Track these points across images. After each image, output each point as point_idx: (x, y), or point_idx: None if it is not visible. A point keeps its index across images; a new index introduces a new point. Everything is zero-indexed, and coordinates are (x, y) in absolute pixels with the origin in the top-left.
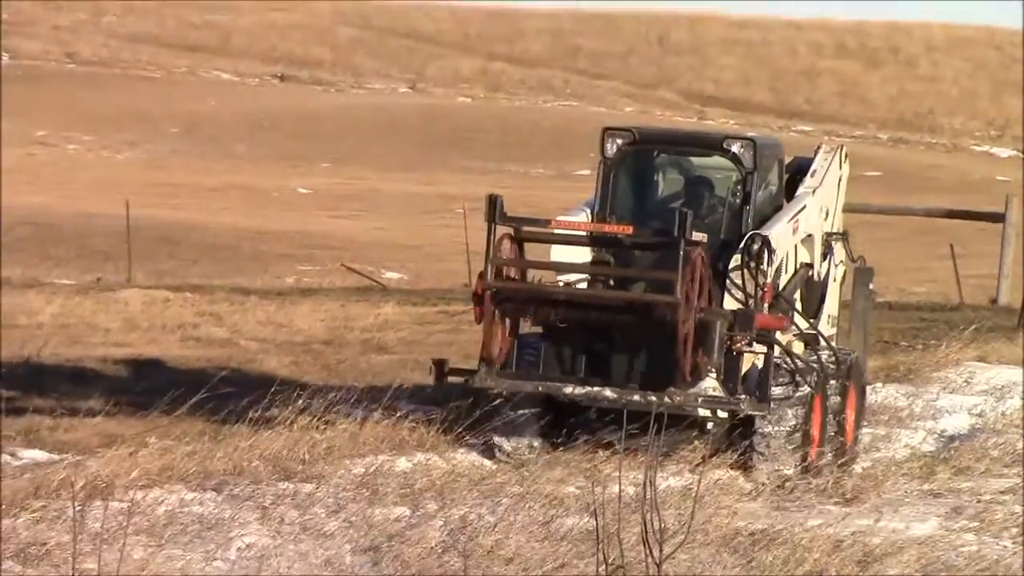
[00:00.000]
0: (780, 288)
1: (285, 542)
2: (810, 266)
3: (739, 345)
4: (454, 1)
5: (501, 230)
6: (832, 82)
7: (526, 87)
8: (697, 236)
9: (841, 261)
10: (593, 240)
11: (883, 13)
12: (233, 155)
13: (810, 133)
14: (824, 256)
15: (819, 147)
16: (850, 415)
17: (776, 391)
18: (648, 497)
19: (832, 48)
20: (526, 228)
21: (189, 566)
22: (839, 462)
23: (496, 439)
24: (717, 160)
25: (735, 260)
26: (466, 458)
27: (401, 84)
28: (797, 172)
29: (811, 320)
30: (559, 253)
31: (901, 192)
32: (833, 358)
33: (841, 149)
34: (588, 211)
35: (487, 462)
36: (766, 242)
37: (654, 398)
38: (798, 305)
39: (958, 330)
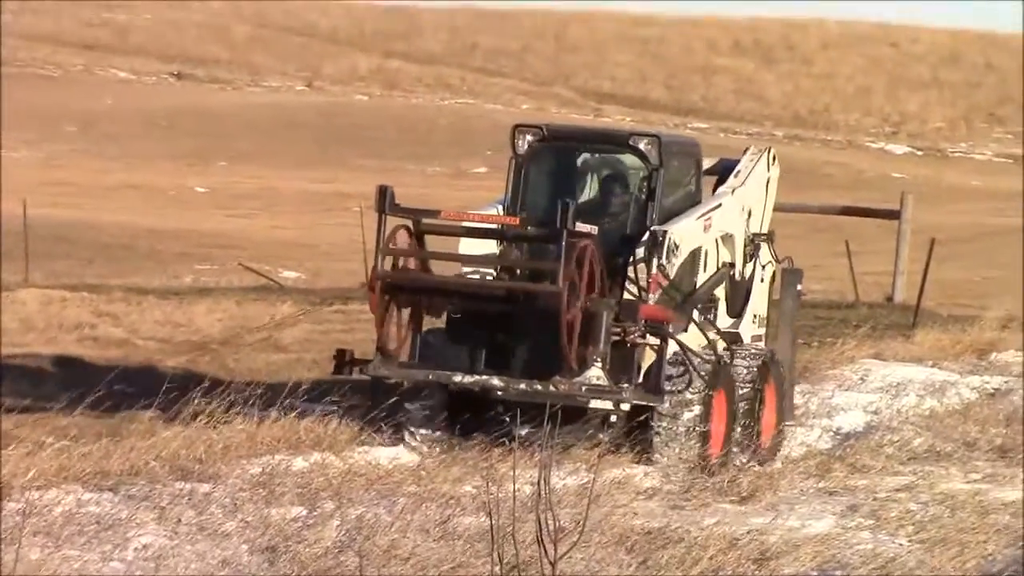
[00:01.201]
0: (697, 285)
1: (182, 542)
2: (732, 265)
3: (632, 337)
4: None
5: (393, 221)
6: (728, 79)
7: (423, 84)
8: (584, 227)
9: (769, 262)
10: (489, 233)
11: (779, 10)
12: (130, 154)
13: (706, 130)
14: (750, 256)
15: (747, 149)
16: (767, 414)
17: (671, 385)
18: (543, 496)
19: (728, 45)
20: (425, 220)
21: (86, 567)
22: (748, 461)
23: (406, 433)
24: (625, 156)
25: (637, 254)
26: (363, 457)
27: (298, 82)
28: (725, 172)
29: (735, 318)
30: (467, 247)
31: (797, 189)
32: (743, 356)
33: (769, 151)
34: (500, 207)
35: (383, 461)
36: (659, 237)
37: (539, 387)
38: (722, 305)
39: (854, 328)
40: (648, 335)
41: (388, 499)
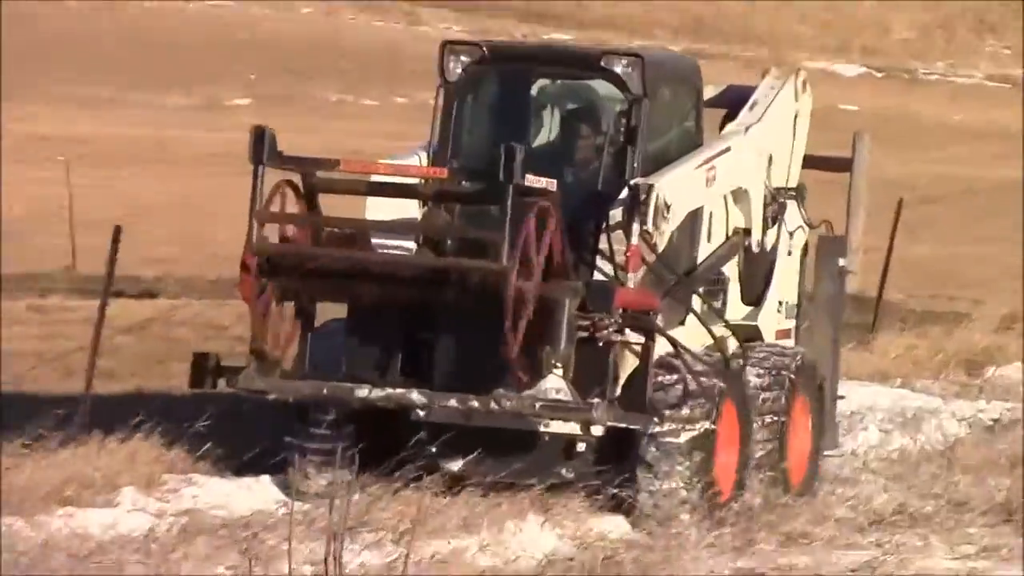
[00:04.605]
0: (697, 261)
1: None
2: (748, 233)
3: (605, 332)
4: None
5: (272, 175)
6: None
7: None
8: (538, 182)
9: (799, 227)
10: (408, 190)
11: None
12: None
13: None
14: (772, 220)
15: (765, 72)
16: (798, 440)
17: (661, 399)
18: None
19: None
20: (320, 174)
21: None
22: (779, 499)
23: (297, 476)
24: (595, 83)
25: (612, 217)
26: (66, 523)
27: None
28: (736, 105)
29: (751, 307)
30: (375, 210)
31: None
32: (761, 359)
33: (797, 75)
34: (422, 155)
35: (95, 530)
36: (642, 194)
37: (476, 404)
38: (734, 287)
39: None
40: (628, 330)
41: None
